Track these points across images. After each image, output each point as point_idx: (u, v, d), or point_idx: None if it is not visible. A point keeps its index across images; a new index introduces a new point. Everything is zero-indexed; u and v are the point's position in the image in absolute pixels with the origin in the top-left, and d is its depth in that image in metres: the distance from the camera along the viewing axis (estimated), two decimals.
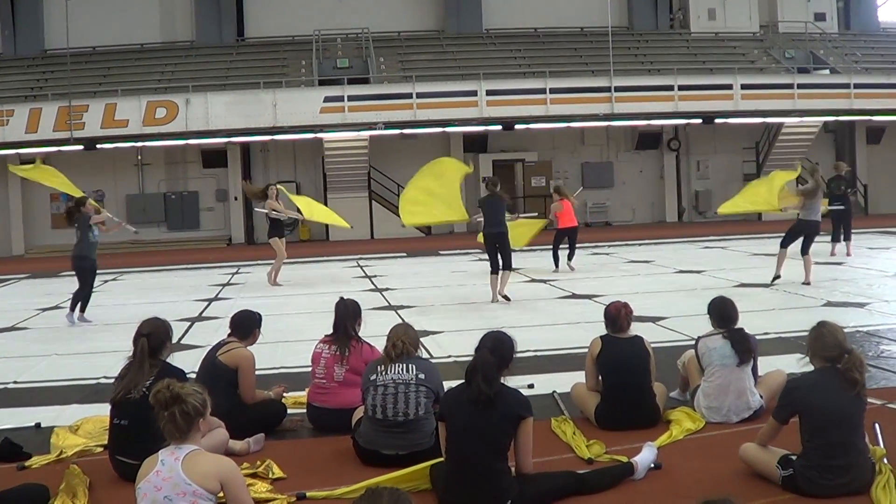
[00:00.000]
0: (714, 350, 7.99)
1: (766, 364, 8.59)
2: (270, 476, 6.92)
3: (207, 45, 40.80)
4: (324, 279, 21.96)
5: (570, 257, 21.29)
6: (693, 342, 8.55)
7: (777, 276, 17.10)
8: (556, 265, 21.25)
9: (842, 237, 22.12)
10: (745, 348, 7.93)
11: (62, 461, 7.45)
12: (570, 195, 21.66)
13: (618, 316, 8.23)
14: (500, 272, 16.42)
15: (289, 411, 8.59)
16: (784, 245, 17.29)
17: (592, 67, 38.36)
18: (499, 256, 16.39)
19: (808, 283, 16.87)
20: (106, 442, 7.41)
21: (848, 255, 21.55)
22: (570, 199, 21.41)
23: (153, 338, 7.19)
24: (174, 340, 7.74)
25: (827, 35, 43.25)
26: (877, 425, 6.77)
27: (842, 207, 21.97)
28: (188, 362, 9.17)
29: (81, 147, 34.26)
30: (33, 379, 11.46)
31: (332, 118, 35.01)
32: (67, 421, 8.72)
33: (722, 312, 8.24)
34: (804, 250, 17.11)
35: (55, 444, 7.95)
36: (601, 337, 8.25)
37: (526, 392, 7.23)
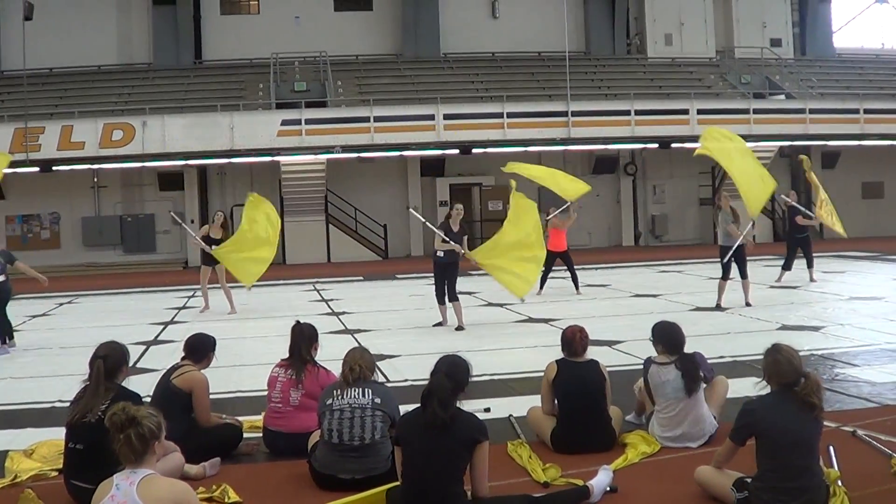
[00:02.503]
0: (668, 383, 7.93)
1: None
2: (226, 501, 6.90)
3: (165, 68, 40.63)
4: (280, 303, 21.87)
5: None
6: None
7: (720, 306, 17.19)
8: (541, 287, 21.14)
9: (800, 264, 22.26)
10: (694, 377, 7.93)
11: (17, 485, 7.39)
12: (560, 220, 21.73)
13: (573, 340, 8.25)
14: (449, 304, 16.36)
15: (245, 435, 8.55)
16: (725, 277, 17.55)
17: (549, 92, 38.53)
18: (445, 287, 16.40)
19: (750, 304, 17.35)
20: (61, 466, 7.35)
21: (812, 280, 21.68)
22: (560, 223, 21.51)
23: (109, 360, 7.15)
24: (130, 364, 7.68)
25: (783, 60, 43.82)
26: (831, 448, 6.84)
27: (805, 235, 22.29)
28: (144, 387, 9.08)
29: (37, 169, 33.91)
30: None
31: (289, 141, 34.93)
32: (22, 445, 8.63)
33: (671, 339, 8.17)
34: (742, 274, 17.57)
35: (9, 469, 7.87)
36: (557, 361, 8.27)
37: (482, 416, 7.24)
